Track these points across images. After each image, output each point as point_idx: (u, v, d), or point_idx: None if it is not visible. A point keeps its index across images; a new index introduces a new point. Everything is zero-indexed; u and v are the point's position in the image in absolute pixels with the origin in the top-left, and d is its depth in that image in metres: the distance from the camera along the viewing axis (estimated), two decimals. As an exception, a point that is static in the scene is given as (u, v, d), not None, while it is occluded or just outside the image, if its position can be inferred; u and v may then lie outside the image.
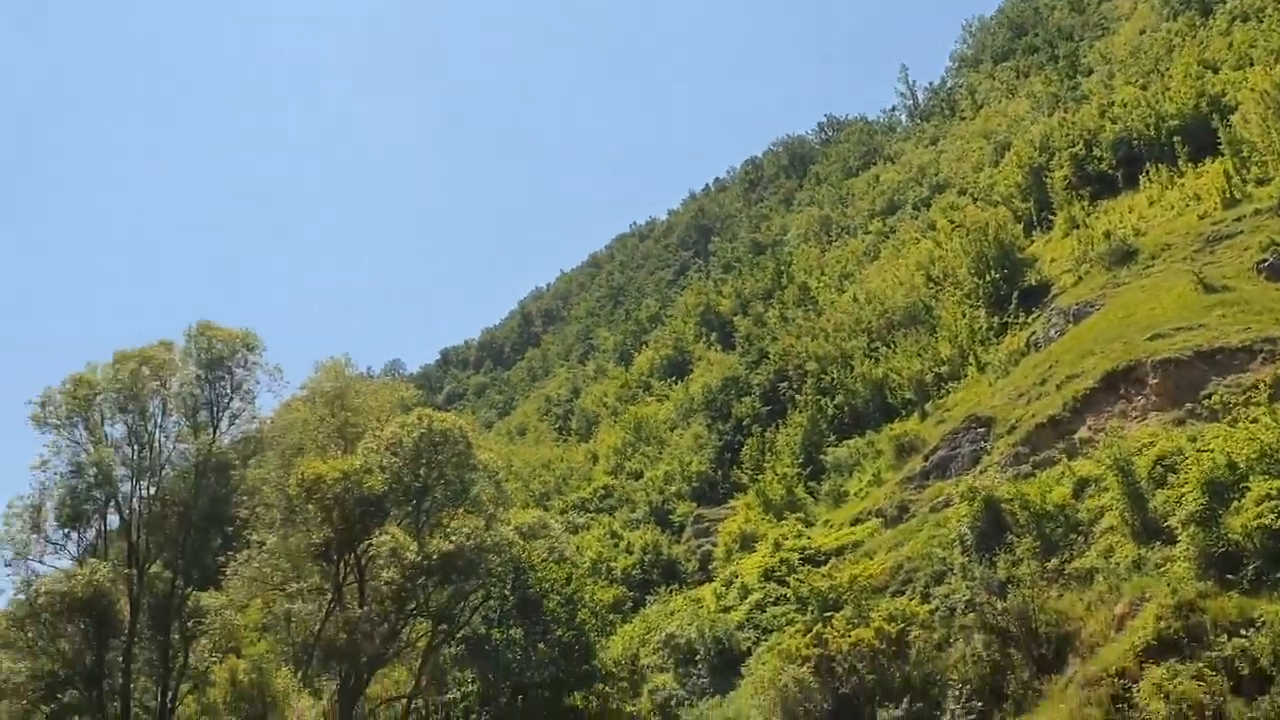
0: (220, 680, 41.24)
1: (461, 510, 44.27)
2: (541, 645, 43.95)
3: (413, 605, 43.34)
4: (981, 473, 43.87)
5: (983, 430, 47.95)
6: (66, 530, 42.75)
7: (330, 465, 42.82)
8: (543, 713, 43.37)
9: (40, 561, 42.47)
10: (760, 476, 65.32)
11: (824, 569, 46.36)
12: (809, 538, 53.08)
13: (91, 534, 43.65)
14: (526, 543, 47.70)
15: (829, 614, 40.32)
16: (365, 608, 43.14)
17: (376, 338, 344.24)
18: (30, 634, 41.16)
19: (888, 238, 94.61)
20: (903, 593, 40.35)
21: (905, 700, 34.62)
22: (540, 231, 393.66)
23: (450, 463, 44.32)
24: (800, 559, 50.47)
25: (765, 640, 45.83)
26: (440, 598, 43.50)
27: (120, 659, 41.59)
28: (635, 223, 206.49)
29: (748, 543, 57.94)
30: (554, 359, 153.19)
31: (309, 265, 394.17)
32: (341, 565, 43.92)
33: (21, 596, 42.27)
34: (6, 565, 42.07)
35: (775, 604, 48.44)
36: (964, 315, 65.05)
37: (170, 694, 42.30)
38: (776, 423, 73.07)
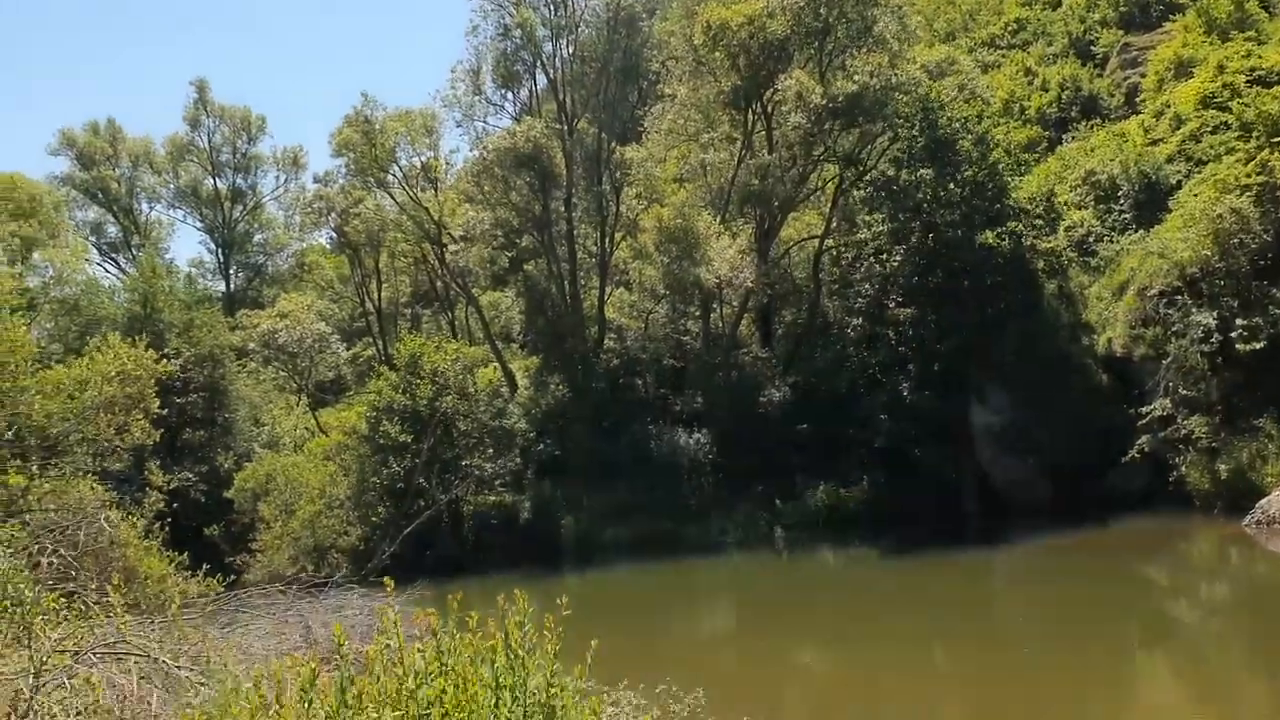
0: (648, 225, 45.29)
1: (865, 50, 43.29)
2: (952, 185, 43.55)
3: (820, 150, 44.19)
4: None
5: None
6: (503, 91, 47.21)
7: (734, 10, 42.88)
8: (955, 250, 43.82)
9: (484, 122, 47.55)
10: (1203, -7, 57.39)
11: (1276, 90, 41.22)
12: (1260, 56, 46.81)
13: (524, 94, 47.91)
14: (934, 81, 46.24)
15: (1277, 140, 36.41)
16: (774, 154, 44.63)
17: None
18: (486, 188, 47.03)
19: None
20: (1378, 109, 35.39)
21: (1367, 227, 31.46)
22: None
23: (851, -1, 42.93)
24: (1247, 81, 44.87)
25: (1198, 173, 42.50)
26: (847, 141, 43.95)
27: (562, 208, 46.60)
28: None
29: (1184, 69, 52.10)
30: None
31: None
32: (749, 113, 45.05)
33: (475, 153, 47.99)
34: (458, 125, 47.90)
35: (1213, 133, 44.10)
36: None
37: (607, 238, 47.18)
38: (1229, -75, 62.61)
